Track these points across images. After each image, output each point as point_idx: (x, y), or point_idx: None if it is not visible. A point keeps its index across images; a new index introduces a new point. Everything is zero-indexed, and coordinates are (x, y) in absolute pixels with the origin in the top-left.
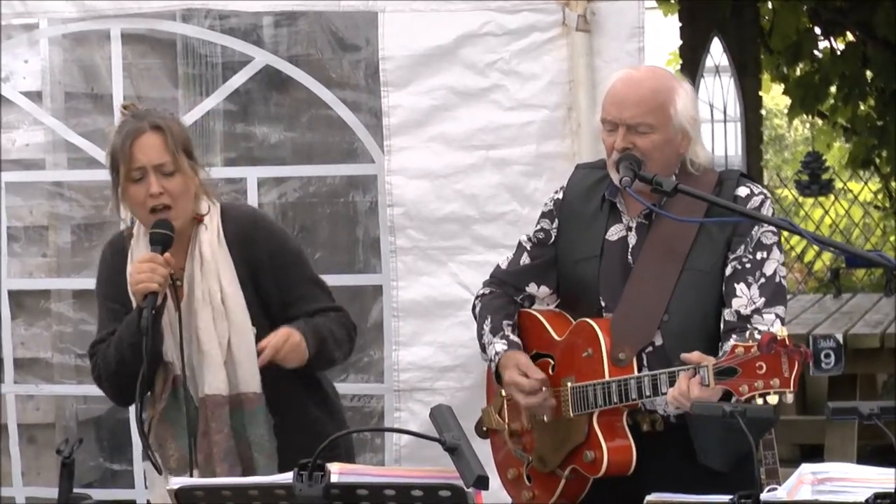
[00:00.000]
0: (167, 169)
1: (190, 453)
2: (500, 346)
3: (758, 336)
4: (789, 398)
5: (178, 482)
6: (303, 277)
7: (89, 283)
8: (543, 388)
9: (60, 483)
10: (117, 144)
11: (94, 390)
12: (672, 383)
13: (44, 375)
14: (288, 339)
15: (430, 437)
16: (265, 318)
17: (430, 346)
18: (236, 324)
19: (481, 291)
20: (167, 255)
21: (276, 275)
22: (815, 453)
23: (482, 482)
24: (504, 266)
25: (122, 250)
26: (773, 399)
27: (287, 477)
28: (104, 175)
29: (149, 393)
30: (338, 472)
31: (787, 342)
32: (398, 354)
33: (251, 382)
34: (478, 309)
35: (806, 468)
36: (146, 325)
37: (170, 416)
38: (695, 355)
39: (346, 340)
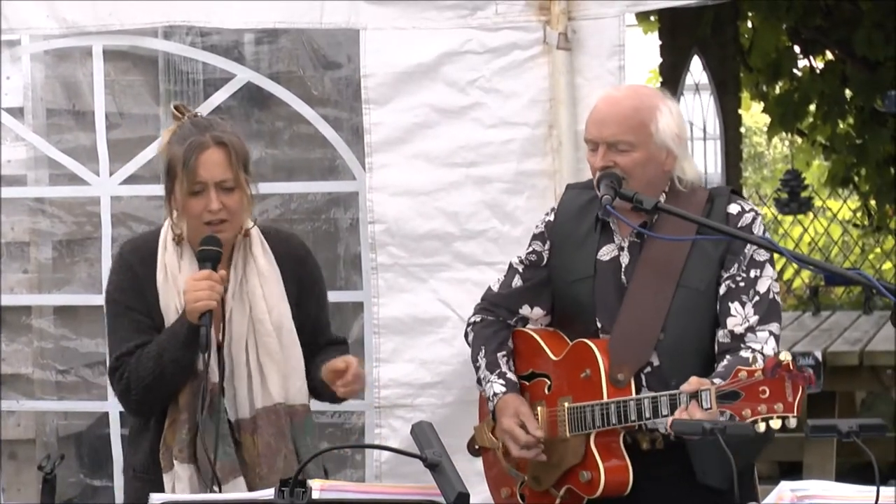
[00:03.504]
0: (228, 185)
1: (238, 463)
2: (498, 387)
3: (760, 361)
4: (793, 423)
5: (159, 498)
6: (328, 304)
7: (71, 299)
8: (539, 445)
9: (42, 499)
10: (178, 155)
11: (75, 406)
12: (672, 406)
13: (24, 391)
14: (360, 379)
15: (412, 453)
16: (300, 334)
17: (411, 362)
18: (288, 337)
19: (473, 319)
20: (222, 271)
21: (318, 298)
22: (793, 470)
23: (463, 499)
24: (495, 289)
25: (149, 259)
26: (776, 423)
27: (268, 493)
28: (85, 191)
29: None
30: (319, 488)
31: (791, 367)
32: (379, 371)
33: (300, 395)
34: (471, 337)
35: (785, 486)
36: (205, 343)
37: (205, 427)
38: (692, 382)
39: None
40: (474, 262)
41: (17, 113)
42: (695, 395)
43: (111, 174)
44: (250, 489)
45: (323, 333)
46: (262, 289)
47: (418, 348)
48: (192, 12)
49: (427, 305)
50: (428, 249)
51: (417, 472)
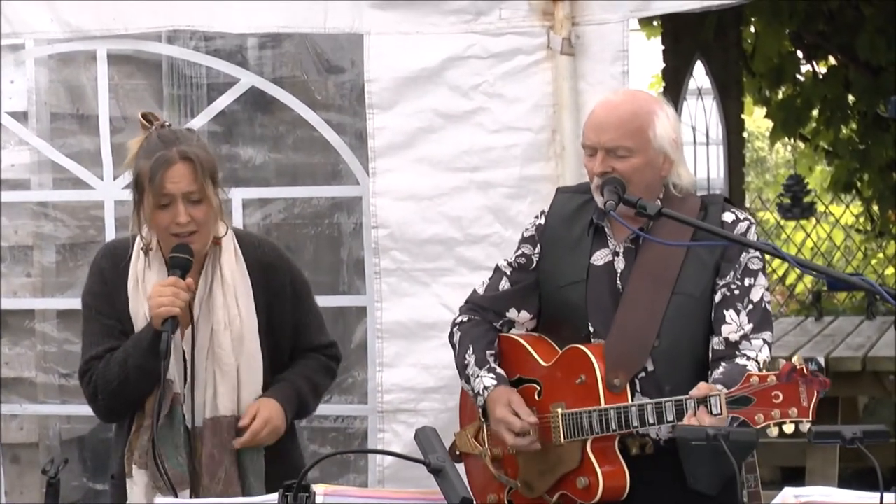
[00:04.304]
0: (194, 197)
1: (191, 473)
2: (488, 380)
3: (754, 367)
4: (806, 427)
5: (162, 502)
6: (311, 307)
7: (74, 303)
8: (532, 431)
9: (45, 502)
10: (145, 170)
11: (77, 410)
12: (679, 412)
13: (28, 395)
14: (267, 426)
15: (415, 458)
16: (270, 341)
17: (414, 367)
18: (248, 348)
19: (459, 319)
20: (189, 280)
21: (294, 303)
22: (796, 476)
23: None
24: (481, 291)
25: (120, 265)
26: (789, 428)
27: (272, 498)
28: (89, 195)
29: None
30: (323, 493)
31: (806, 371)
32: (382, 376)
33: None
34: (457, 337)
35: (788, 492)
36: (165, 350)
37: (163, 435)
38: (701, 388)
39: (327, 386)
40: (477, 266)
41: (21, 117)
42: (703, 401)
43: (115, 178)
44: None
45: (302, 338)
46: (225, 299)
47: (421, 353)
48: (196, 17)
49: (430, 310)
50: (431, 254)
51: (420, 476)
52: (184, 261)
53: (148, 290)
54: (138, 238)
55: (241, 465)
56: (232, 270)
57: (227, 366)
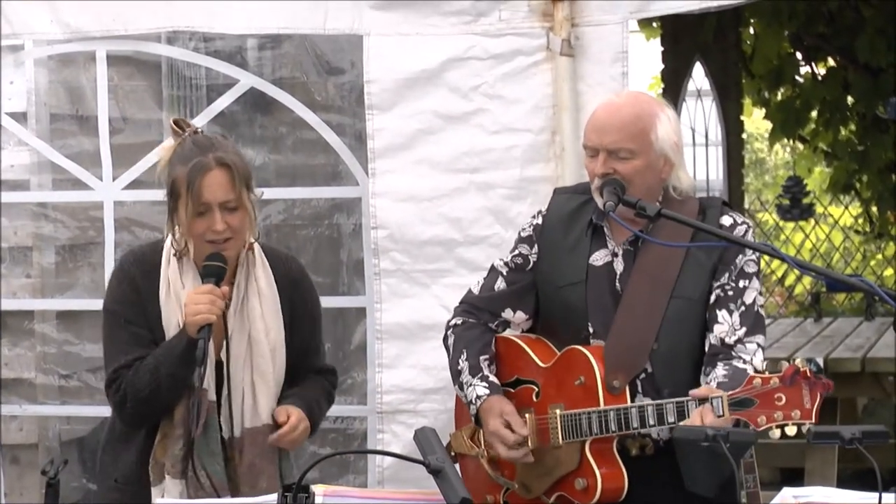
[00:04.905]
0: (231, 205)
1: (228, 482)
2: (481, 389)
3: (751, 371)
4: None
5: (162, 502)
6: (319, 331)
7: (73, 304)
8: (530, 442)
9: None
10: (182, 177)
11: (77, 411)
12: (680, 413)
13: (27, 396)
14: (301, 424)
15: (415, 459)
16: (287, 356)
17: (414, 368)
18: (279, 360)
19: (454, 321)
20: (224, 287)
21: (308, 323)
22: (795, 476)
23: None
24: (477, 291)
25: (152, 272)
26: (791, 430)
27: (272, 499)
28: (88, 196)
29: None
30: (322, 493)
31: (809, 374)
32: (381, 376)
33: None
34: (451, 340)
35: (787, 492)
36: (201, 357)
37: (197, 444)
38: (703, 389)
39: (326, 411)
40: (477, 267)
41: (21, 118)
42: (703, 402)
43: (114, 179)
44: None
45: (309, 359)
46: (262, 308)
47: (421, 354)
48: (196, 18)
49: (430, 311)
50: (431, 255)
51: (420, 477)
52: (218, 269)
53: (182, 297)
54: (169, 244)
55: (281, 473)
56: (265, 282)
57: (266, 375)
